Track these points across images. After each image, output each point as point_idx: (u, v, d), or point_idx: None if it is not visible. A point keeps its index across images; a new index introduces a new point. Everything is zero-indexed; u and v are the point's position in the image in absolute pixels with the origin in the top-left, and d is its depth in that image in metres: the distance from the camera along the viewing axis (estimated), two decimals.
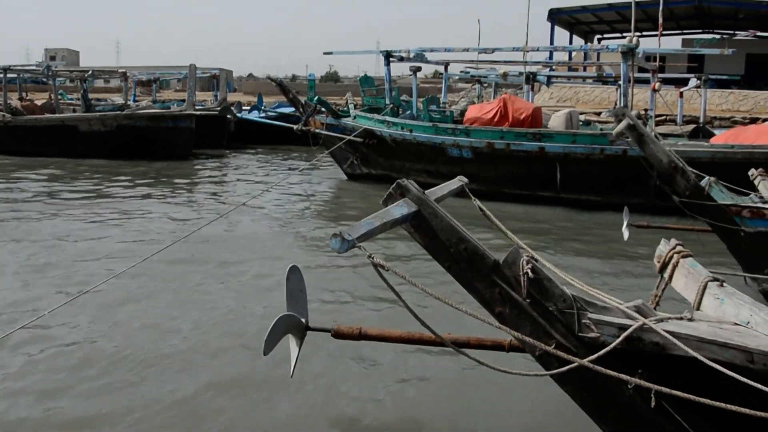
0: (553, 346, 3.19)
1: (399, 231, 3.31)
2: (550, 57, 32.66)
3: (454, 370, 5.93)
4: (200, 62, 28.62)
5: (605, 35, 49.83)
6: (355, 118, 18.69)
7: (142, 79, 40.29)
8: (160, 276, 8.83)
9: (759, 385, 2.84)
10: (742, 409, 2.83)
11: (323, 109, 19.23)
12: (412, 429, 5.26)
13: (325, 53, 22.34)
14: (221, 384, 5.77)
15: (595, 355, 3.10)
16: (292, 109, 22.93)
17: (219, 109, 26.25)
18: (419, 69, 18.68)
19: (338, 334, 3.75)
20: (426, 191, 3.38)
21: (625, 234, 8.12)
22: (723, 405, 2.87)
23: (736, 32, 45.68)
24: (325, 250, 10.35)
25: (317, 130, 19.11)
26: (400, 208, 3.14)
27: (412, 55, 18.04)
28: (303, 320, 3.54)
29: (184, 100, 25.58)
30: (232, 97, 39.57)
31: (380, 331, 3.91)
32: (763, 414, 2.79)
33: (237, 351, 6.50)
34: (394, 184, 3.21)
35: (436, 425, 5.28)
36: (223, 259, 9.92)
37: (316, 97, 20.02)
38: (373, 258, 2.90)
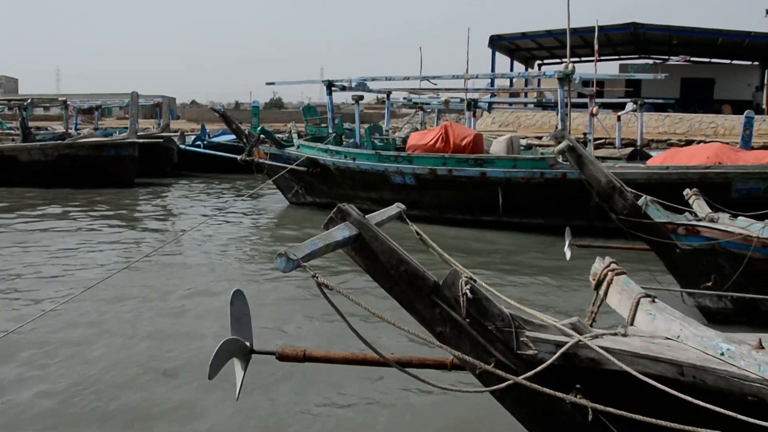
0: (492, 364, 3.29)
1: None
2: (492, 83, 33.11)
3: (405, 387, 5.99)
4: (142, 89, 28.37)
5: (545, 61, 50.68)
6: (298, 147, 18.73)
7: (83, 107, 39.66)
8: (101, 304, 8.79)
9: (688, 398, 2.96)
10: (672, 424, 2.94)
11: (267, 139, 19.25)
12: None
13: (267, 83, 22.24)
14: (168, 408, 5.78)
15: (532, 372, 3.21)
16: (234, 137, 22.93)
17: (162, 139, 26.01)
18: (361, 98, 18.80)
19: (283, 357, 3.80)
20: (365, 216, 3.48)
21: (567, 254, 8.28)
22: (653, 421, 2.98)
23: (670, 57, 46.85)
24: (269, 275, 10.41)
25: (261, 160, 19.13)
26: (342, 231, 3.23)
27: (353, 84, 18.18)
28: (247, 343, 3.59)
29: (126, 128, 25.34)
30: (175, 125, 39.33)
31: (325, 353, 3.97)
32: (691, 428, 2.90)
33: (182, 375, 6.51)
34: (335, 209, 3.30)
35: None
36: (168, 286, 9.93)
37: (259, 127, 20.04)
38: (317, 277, 2.98)
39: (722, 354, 3.22)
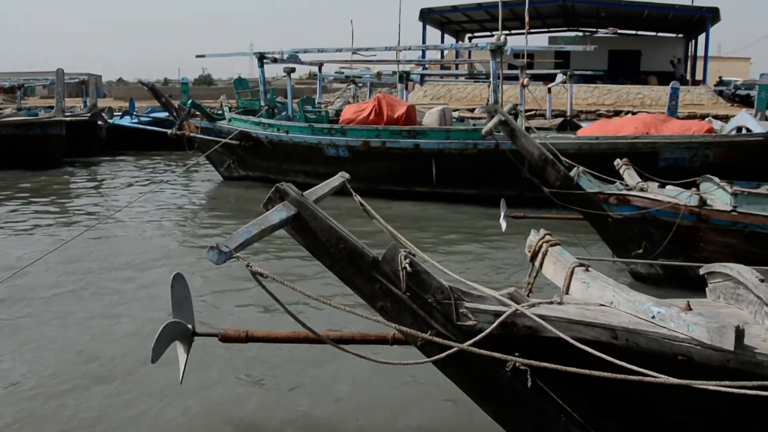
0: (433, 336, 3.34)
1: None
2: (423, 56, 33.13)
3: (351, 365, 5.96)
4: (67, 67, 27.60)
5: (476, 34, 50.87)
6: (230, 120, 18.53)
7: (4, 86, 38.45)
8: (36, 287, 8.58)
9: (621, 362, 3.05)
10: (605, 374, 3.05)
11: (197, 112, 18.97)
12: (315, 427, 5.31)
13: (197, 56, 21.96)
14: (110, 392, 5.70)
15: (472, 341, 3.26)
16: (166, 113, 22.54)
17: (89, 114, 25.38)
18: (293, 70, 18.68)
19: (225, 338, 3.79)
20: (308, 190, 3.47)
21: (503, 225, 8.39)
22: (588, 372, 3.08)
23: (598, 30, 47.50)
24: (204, 256, 10.23)
25: (192, 134, 18.88)
26: (278, 213, 3.22)
27: (285, 56, 18.02)
28: (189, 326, 3.57)
29: (52, 107, 24.66)
30: (102, 103, 38.45)
31: (267, 332, 3.97)
32: (622, 376, 3.02)
33: (124, 359, 6.41)
34: (273, 188, 3.29)
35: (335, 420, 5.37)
36: (102, 268, 9.71)
37: (189, 101, 19.73)
38: (251, 266, 2.97)
39: (653, 317, 3.32)
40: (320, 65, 22.05)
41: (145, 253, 10.61)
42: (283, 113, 18.43)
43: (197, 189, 18.58)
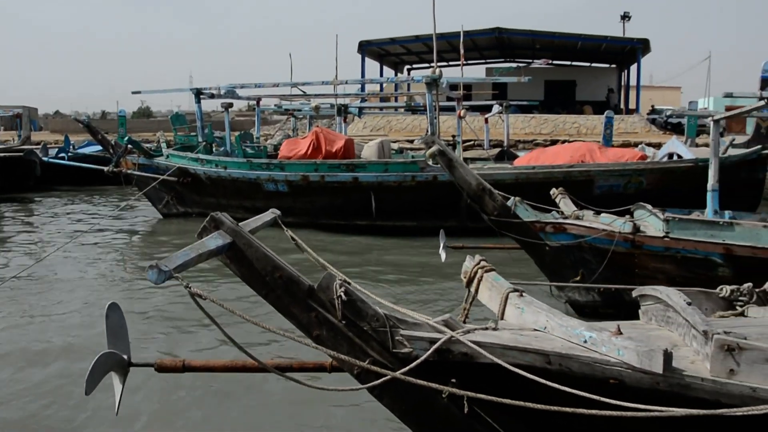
0: (369, 363, 3.36)
1: None
2: (362, 88, 33.36)
3: (289, 391, 5.96)
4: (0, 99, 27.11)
5: (414, 65, 51.50)
6: (168, 157, 18.36)
7: None
8: None
9: (555, 385, 3.10)
10: (537, 406, 3.09)
11: (134, 149, 18.77)
12: None
13: (133, 92, 21.75)
14: (45, 426, 5.60)
15: (407, 368, 3.28)
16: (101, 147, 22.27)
17: (23, 151, 24.91)
18: (231, 105, 18.63)
19: (162, 368, 3.74)
20: (240, 224, 3.47)
21: (443, 256, 8.43)
22: (520, 404, 3.12)
23: (534, 60, 48.41)
24: (144, 287, 10.17)
25: (129, 171, 18.67)
26: (215, 240, 3.22)
27: (222, 92, 18.01)
28: (125, 356, 3.52)
29: None
30: (38, 136, 37.86)
31: (204, 362, 3.94)
32: (558, 408, 3.06)
33: (59, 391, 6.31)
34: (208, 217, 3.29)
35: None
36: (40, 303, 9.59)
37: (126, 137, 19.54)
38: (190, 288, 2.96)
39: (585, 341, 3.39)
40: (258, 100, 22.07)
41: (82, 289, 10.47)
42: (222, 148, 18.35)
43: (135, 226, 18.31)
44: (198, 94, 17.95)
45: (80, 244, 14.22)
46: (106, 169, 18.93)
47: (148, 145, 20.92)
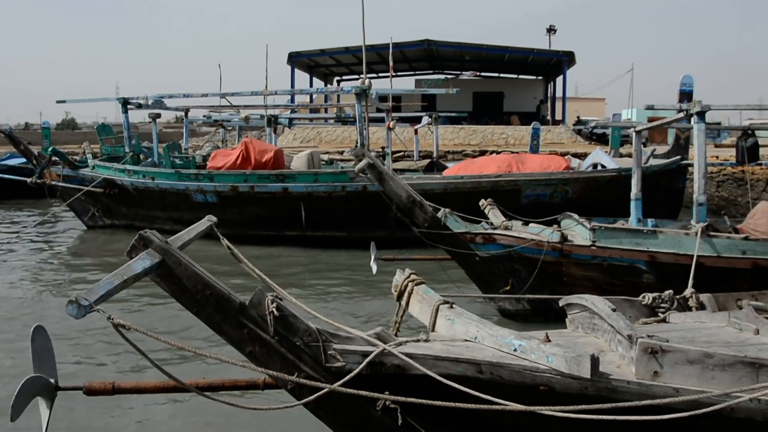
0: (302, 378, 3.36)
1: None
2: (292, 100, 33.24)
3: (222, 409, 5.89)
4: None
5: (344, 77, 51.56)
6: (93, 168, 18.01)
7: None
8: None
9: (484, 395, 3.14)
10: (467, 405, 3.13)
11: (59, 159, 18.37)
12: None
13: (58, 102, 21.22)
14: None
15: (341, 382, 3.29)
16: (25, 160, 21.74)
17: None
18: (158, 116, 18.38)
19: (91, 391, 3.68)
20: (173, 236, 3.44)
21: (374, 268, 8.44)
22: (452, 404, 3.15)
23: (462, 72, 48.93)
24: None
25: (54, 182, 18.26)
26: (142, 262, 3.18)
27: (150, 102, 17.75)
28: (52, 380, 3.44)
29: None
30: None
31: (135, 383, 3.89)
32: (484, 406, 3.11)
33: None
34: (137, 236, 3.24)
35: None
36: None
37: (51, 148, 19.12)
38: (112, 319, 2.92)
39: (515, 350, 3.46)
40: (186, 110, 21.78)
41: (4, 309, 10.14)
42: (149, 159, 18.09)
43: (59, 239, 17.86)
44: (125, 103, 17.64)
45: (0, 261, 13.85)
46: (29, 180, 18.48)
47: (73, 157, 20.46)
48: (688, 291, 5.68)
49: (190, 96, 17.93)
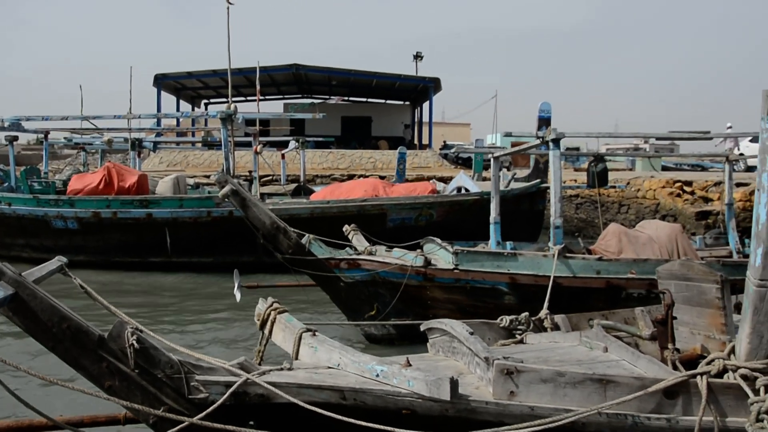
0: (164, 411, 3.33)
1: None
2: (158, 123, 32.65)
3: None
4: None
5: (212, 100, 50.93)
6: None
7: None
8: None
9: (350, 419, 3.21)
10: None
11: None
12: None
13: None
14: None
15: (204, 413, 3.28)
16: None
17: None
18: (16, 138, 17.73)
19: None
20: (24, 273, 3.36)
21: (237, 296, 8.36)
22: None
23: (331, 97, 49.24)
24: None
25: None
26: None
27: (6, 124, 17.07)
28: None
29: None
30: None
31: None
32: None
33: None
34: None
35: None
36: None
37: None
38: None
39: (377, 375, 3.54)
40: (46, 133, 21.08)
41: None
42: (6, 184, 17.41)
43: None
44: None
45: None
46: None
47: None
48: (543, 312, 5.93)
49: (49, 119, 17.38)
